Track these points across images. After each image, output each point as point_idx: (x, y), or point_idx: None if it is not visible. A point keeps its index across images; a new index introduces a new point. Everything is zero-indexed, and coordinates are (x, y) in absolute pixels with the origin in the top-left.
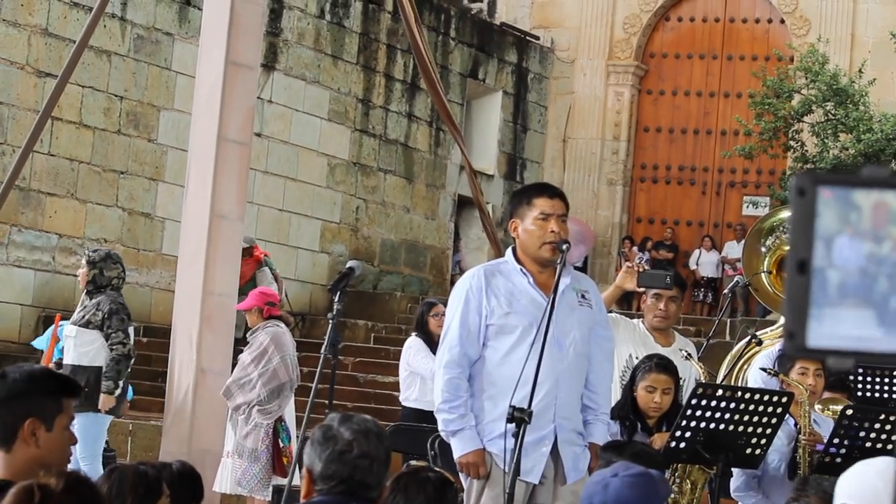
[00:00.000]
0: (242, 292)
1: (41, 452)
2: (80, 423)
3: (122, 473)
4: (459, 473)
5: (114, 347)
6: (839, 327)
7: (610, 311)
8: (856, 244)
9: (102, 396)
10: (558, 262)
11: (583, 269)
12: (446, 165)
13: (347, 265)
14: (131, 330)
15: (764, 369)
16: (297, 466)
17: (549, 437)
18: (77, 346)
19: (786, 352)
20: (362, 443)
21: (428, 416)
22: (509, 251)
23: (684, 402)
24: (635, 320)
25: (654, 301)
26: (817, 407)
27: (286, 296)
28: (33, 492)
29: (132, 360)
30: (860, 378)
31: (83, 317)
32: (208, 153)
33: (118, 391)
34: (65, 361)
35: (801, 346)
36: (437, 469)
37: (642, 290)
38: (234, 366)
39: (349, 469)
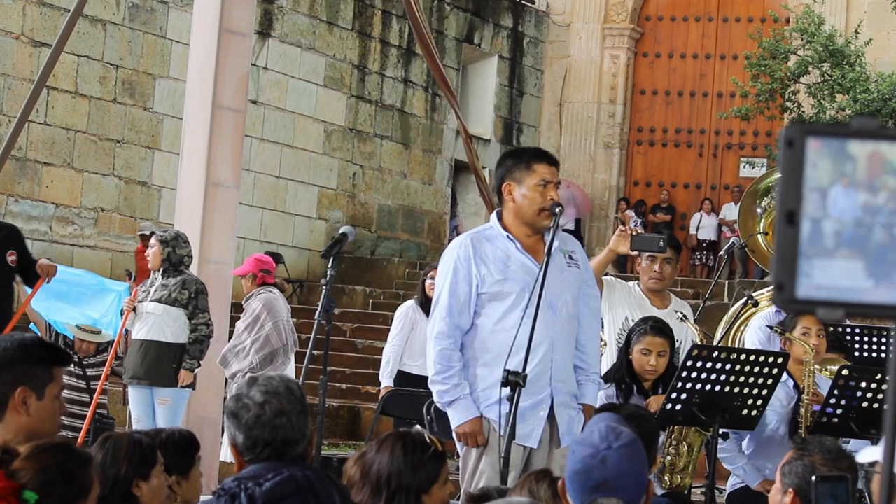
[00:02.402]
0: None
1: (32, 421)
2: (170, 396)
3: (116, 442)
4: (456, 442)
5: (198, 328)
6: (828, 279)
7: (605, 275)
8: (851, 195)
9: (183, 373)
10: (552, 225)
11: (577, 231)
12: (443, 130)
13: (340, 231)
14: (215, 311)
15: (771, 327)
16: None
17: (546, 400)
18: (162, 323)
19: (775, 303)
20: (273, 402)
21: (420, 381)
22: (494, 216)
23: (680, 363)
24: (631, 283)
25: (648, 263)
26: (815, 367)
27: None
28: None
29: (210, 339)
30: (857, 338)
31: (168, 295)
32: (203, 121)
33: (198, 368)
34: (140, 336)
35: (791, 297)
36: (427, 434)
37: (636, 253)
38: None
39: (269, 431)
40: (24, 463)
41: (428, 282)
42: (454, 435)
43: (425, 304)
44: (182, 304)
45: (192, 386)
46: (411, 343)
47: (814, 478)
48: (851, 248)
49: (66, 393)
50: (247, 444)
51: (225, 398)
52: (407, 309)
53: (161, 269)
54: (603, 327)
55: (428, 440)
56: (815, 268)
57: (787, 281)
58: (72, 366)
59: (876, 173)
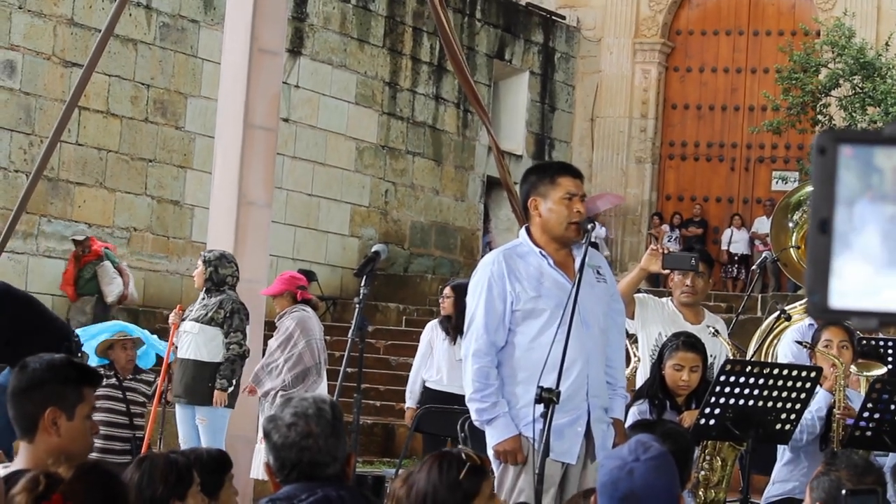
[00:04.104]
0: (86, 289)
1: (63, 442)
2: (207, 416)
3: (152, 462)
4: (493, 460)
5: (231, 347)
6: (862, 288)
7: (637, 291)
8: (877, 207)
9: (216, 393)
10: (582, 241)
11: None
12: (475, 147)
13: (373, 249)
14: (249, 329)
15: (799, 342)
16: None
17: (583, 416)
18: (199, 342)
19: (808, 313)
20: (301, 425)
21: (437, 395)
22: (523, 232)
23: (713, 378)
24: (664, 299)
25: (680, 278)
26: (853, 369)
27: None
28: (39, 480)
29: (245, 360)
30: (889, 351)
31: (206, 314)
32: (235, 140)
33: (231, 388)
34: (181, 355)
35: (823, 306)
36: (470, 451)
37: (667, 272)
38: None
39: (296, 453)
40: (72, 485)
41: (441, 301)
42: (491, 453)
43: (443, 321)
44: (218, 324)
45: (231, 405)
46: (430, 360)
47: (843, 491)
48: (881, 260)
49: (103, 415)
50: (277, 466)
51: (258, 417)
52: (428, 328)
53: (204, 288)
54: (637, 343)
55: (465, 457)
56: (847, 277)
57: (820, 290)
58: (110, 388)
59: None
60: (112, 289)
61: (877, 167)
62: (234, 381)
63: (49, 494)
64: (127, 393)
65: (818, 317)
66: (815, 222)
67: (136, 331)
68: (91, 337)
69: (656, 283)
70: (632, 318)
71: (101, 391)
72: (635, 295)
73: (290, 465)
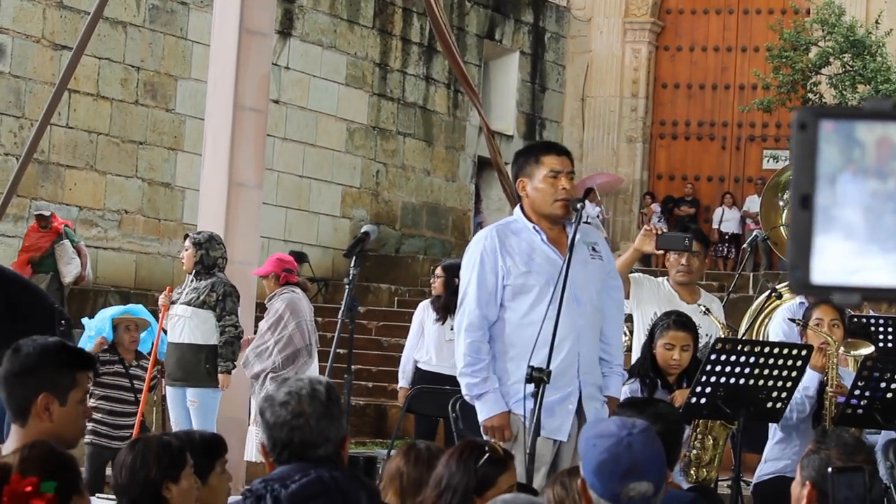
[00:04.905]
0: (42, 267)
1: (55, 427)
2: (198, 398)
3: (145, 444)
4: (484, 437)
5: (226, 330)
6: (844, 263)
7: (633, 271)
8: (859, 181)
9: (221, 376)
10: (573, 220)
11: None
12: (465, 127)
13: (362, 229)
14: (240, 310)
15: (793, 320)
16: None
17: (574, 393)
18: (192, 325)
19: (791, 289)
20: (293, 404)
21: (427, 375)
22: (517, 209)
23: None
24: (660, 279)
25: (676, 257)
26: (840, 350)
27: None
28: None
29: (241, 340)
30: (880, 329)
31: (198, 297)
32: (224, 122)
33: (234, 370)
34: (173, 339)
35: (805, 282)
36: (497, 445)
37: (661, 252)
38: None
39: (287, 433)
40: (25, 464)
41: (432, 281)
42: (481, 429)
43: (434, 302)
44: (210, 307)
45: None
46: (421, 340)
47: (830, 469)
48: (863, 235)
49: (112, 404)
50: (270, 445)
51: (249, 399)
52: (420, 308)
53: (193, 271)
54: (632, 322)
55: (487, 448)
56: (830, 253)
57: (802, 266)
58: (117, 376)
59: (885, 160)
60: (70, 269)
61: (858, 141)
62: (235, 364)
63: (7, 478)
64: (134, 381)
65: (800, 293)
66: (797, 198)
67: (141, 312)
68: (108, 320)
69: (648, 264)
70: (627, 297)
71: (109, 379)
72: (630, 275)
73: (281, 444)
